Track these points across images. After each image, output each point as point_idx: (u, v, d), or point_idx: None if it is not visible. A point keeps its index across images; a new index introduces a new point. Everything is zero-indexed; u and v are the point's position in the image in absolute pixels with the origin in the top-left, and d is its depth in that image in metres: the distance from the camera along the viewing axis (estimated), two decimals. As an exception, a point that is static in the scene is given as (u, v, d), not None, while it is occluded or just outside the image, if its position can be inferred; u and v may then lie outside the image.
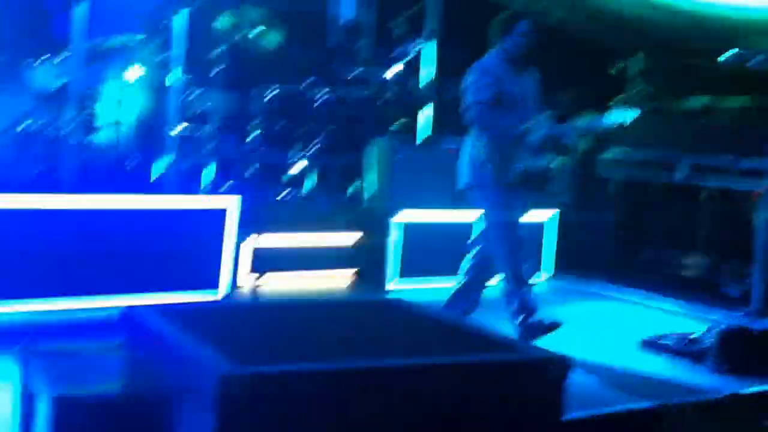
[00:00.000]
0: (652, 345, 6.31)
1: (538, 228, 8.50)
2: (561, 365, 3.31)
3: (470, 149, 6.08)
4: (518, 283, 6.01)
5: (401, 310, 4.13)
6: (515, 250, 6.02)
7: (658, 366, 5.96)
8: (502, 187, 5.97)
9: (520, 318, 5.96)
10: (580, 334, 6.39)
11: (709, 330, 6.28)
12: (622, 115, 6.11)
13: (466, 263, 6.29)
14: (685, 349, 6.18)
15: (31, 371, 3.93)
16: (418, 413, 3.04)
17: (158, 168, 8.18)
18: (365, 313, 4.09)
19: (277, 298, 6.56)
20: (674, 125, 8.83)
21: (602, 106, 9.21)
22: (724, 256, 8.20)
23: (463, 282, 6.28)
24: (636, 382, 5.57)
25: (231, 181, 8.34)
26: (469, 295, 6.26)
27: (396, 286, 7.70)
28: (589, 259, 8.74)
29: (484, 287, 6.30)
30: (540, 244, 8.53)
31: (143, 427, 3.45)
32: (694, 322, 6.91)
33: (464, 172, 6.15)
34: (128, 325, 3.64)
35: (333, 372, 2.99)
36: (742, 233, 7.87)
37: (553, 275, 8.61)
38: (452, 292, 6.32)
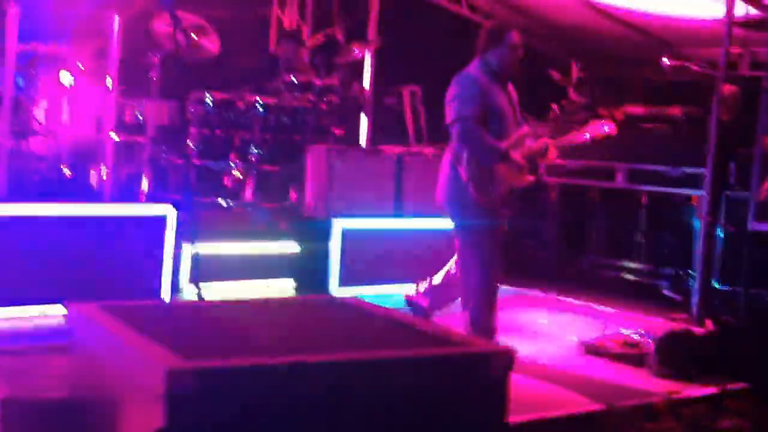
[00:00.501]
0: (594, 349, 6.33)
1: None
2: (504, 358, 3.32)
3: (451, 165, 5.87)
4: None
5: (347, 307, 4.12)
6: (489, 288, 5.88)
7: (600, 370, 5.98)
8: (482, 208, 5.77)
9: None
10: (522, 339, 6.40)
11: (649, 334, 6.34)
12: (600, 128, 6.10)
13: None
14: (626, 354, 6.22)
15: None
16: (364, 407, 3.04)
17: (95, 176, 8.05)
18: (311, 311, 4.06)
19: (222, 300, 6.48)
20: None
21: (541, 115, 9.35)
22: (665, 262, 8.29)
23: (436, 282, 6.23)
24: (578, 385, 5.56)
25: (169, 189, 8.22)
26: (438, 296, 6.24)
27: (338, 293, 7.63)
28: (530, 265, 8.78)
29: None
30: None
31: (90, 427, 3.39)
32: (635, 327, 6.96)
33: (443, 188, 5.94)
34: (73, 322, 3.57)
35: (279, 367, 2.97)
36: (682, 238, 7.98)
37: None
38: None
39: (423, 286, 6.43)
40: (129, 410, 3.07)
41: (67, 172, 8.32)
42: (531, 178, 5.96)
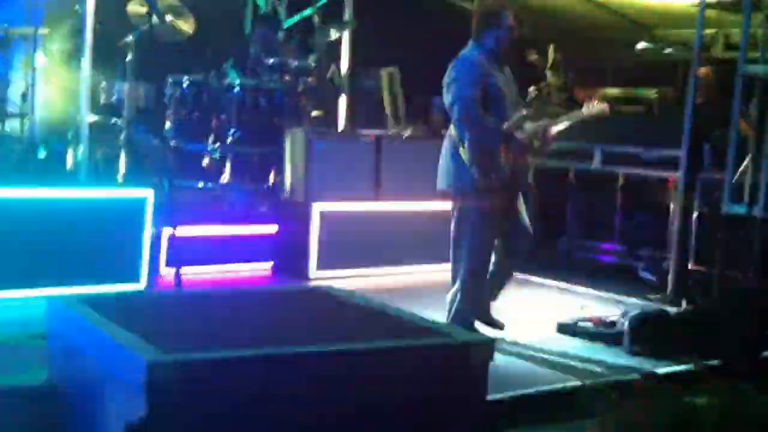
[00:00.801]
0: (570, 329, 6.39)
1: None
2: (484, 348, 3.36)
3: (452, 149, 5.81)
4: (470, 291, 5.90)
5: (326, 297, 4.15)
6: (480, 269, 5.89)
7: (576, 349, 6.05)
8: (484, 191, 5.72)
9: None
10: (500, 318, 6.44)
11: (625, 314, 6.41)
12: (595, 108, 6.09)
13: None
14: (602, 333, 6.29)
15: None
16: (346, 398, 3.07)
17: (72, 158, 8.03)
18: (290, 301, 4.09)
19: (201, 288, 6.48)
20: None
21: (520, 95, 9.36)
22: (641, 243, 8.35)
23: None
24: (555, 364, 5.66)
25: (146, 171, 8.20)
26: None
27: (317, 276, 7.65)
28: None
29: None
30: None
31: (68, 416, 3.40)
32: (611, 307, 7.04)
33: (444, 174, 5.89)
34: (53, 314, 3.58)
35: (259, 358, 3.01)
36: (658, 220, 8.04)
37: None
38: None
39: None
40: (109, 400, 3.09)
41: (42, 153, 8.31)
42: (531, 159, 6.01)
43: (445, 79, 5.81)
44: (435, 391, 3.19)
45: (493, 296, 6.16)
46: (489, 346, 3.38)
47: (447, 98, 5.78)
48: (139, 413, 2.81)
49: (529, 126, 5.85)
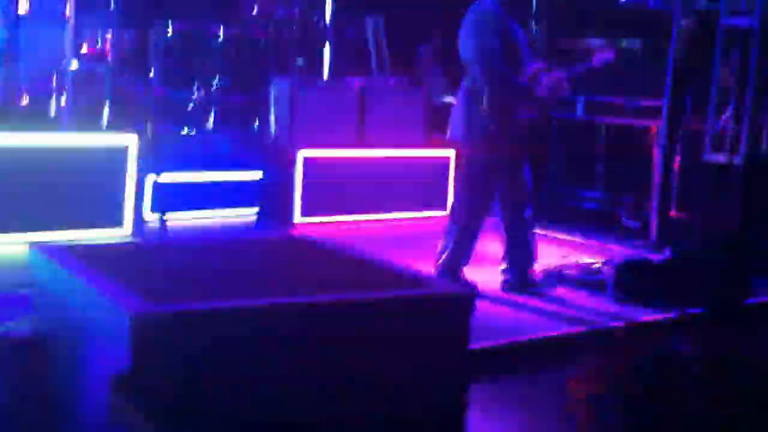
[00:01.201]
0: (554, 275, 6.45)
1: (441, 165, 8.59)
2: (466, 298, 3.38)
3: (466, 100, 5.77)
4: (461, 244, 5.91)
5: (309, 246, 4.15)
6: (471, 222, 5.91)
7: (561, 296, 6.11)
8: (498, 143, 5.70)
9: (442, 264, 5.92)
10: (484, 267, 6.47)
11: (608, 261, 6.47)
12: (604, 57, 6.06)
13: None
14: (586, 279, 6.37)
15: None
16: (330, 348, 3.08)
17: (54, 105, 7.97)
18: (274, 251, 4.09)
19: (185, 237, 6.49)
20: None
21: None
22: (625, 191, 8.40)
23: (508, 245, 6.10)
24: (540, 312, 5.73)
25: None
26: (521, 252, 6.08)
27: (301, 221, 7.69)
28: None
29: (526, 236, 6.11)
30: (443, 181, 8.62)
31: (53, 365, 3.42)
32: (595, 254, 7.09)
33: (459, 125, 5.84)
34: (36, 262, 3.57)
35: (244, 309, 3.00)
36: (641, 168, 8.08)
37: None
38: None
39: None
40: (94, 351, 3.09)
41: (25, 100, 8.23)
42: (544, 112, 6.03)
43: (462, 31, 5.73)
44: (417, 342, 3.21)
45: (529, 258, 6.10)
46: (471, 296, 3.39)
47: (467, 51, 5.69)
48: (124, 365, 2.79)
49: (545, 79, 5.80)
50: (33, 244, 3.64)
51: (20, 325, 3.66)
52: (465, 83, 5.83)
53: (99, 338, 3.05)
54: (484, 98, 5.64)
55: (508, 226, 6.03)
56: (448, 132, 6.00)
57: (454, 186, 5.98)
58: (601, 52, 6.18)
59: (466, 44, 5.71)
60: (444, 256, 5.94)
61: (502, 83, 5.64)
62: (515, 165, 5.92)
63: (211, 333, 2.91)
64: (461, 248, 5.93)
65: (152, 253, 3.96)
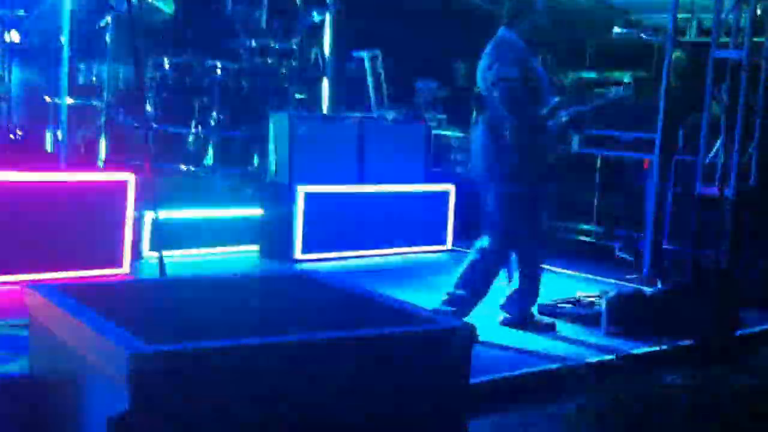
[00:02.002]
0: (550, 310, 6.48)
1: (440, 199, 8.65)
2: (466, 334, 3.40)
3: (488, 136, 5.64)
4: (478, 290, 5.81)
5: (309, 283, 4.16)
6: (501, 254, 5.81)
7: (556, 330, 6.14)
8: (526, 182, 5.61)
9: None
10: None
11: (603, 295, 6.50)
12: (620, 92, 6.07)
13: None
14: (580, 314, 6.40)
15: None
16: (330, 386, 3.09)
17: (50, 140, 8.01)
18: (274, 288, 4.10)
19: (183, 275, 6.50)
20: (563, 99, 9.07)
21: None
22: (618, 223, 8.45)
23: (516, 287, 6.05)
24: (535, 345, 5.76)
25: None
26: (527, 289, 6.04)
27: (302, 258, 7.72)
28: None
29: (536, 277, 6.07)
30: (442, 215, 8.70)
31: (51, 405, 3.42)
32: (589, 288, 7.13)
33: (479, 163, 5.72)
34: (33, 303, 3.58)
35: (244, 347, 2.99)
36: (634, 201, 8.14)
37: (452, 246, 8.77)
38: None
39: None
40: (91, 391, 3.09)
41: (19, 135, 8.24)
42: (564, 148, 5.90)
43: (482, 63, 5.63)
44: (418, 376, 3.23)
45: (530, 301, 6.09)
46: (471, 331, 3.41)
47: (486, 80, 5.59)
48: (122, 406, 2.79)
49: (563, 113, 5.71)
50: (29, 285, 3.65)
51: (16, 366, 3.66)
52: (484, 116, 5.78)
53: (97, 378, 3.03)
54: (508, 128, 5.53)
55: (521, 262, 5.97)
56: (471, 169, 5.94)
57: (490, 218, 5.79)
58: (617, 88, 6.18)
59: (485, 75, 5.61)
60: (458, 292, 5.78)
61: (521, 112, 5.52)
62: (538, 201, 5.83)
63: (211, 372, 2.90)
64: (482, 283, 5.81)
65: (150, 291, 3.97)
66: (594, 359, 5.58)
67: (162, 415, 2.83)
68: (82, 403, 3.19)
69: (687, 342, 5.92)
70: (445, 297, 5.78)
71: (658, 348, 5.82)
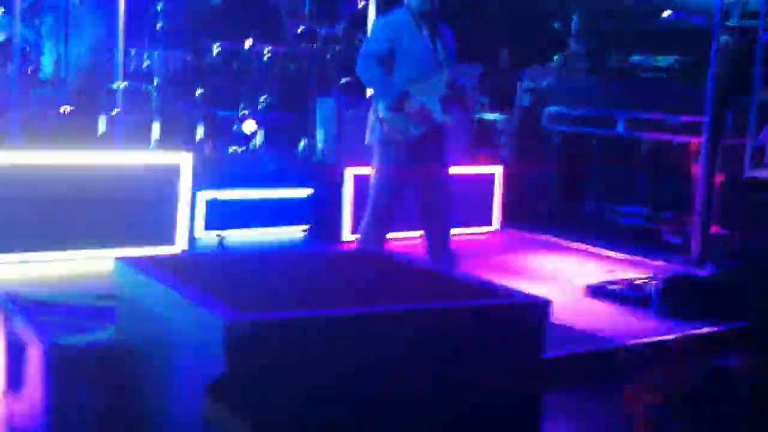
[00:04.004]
0: (599, 291, 6.54)
1: (486, 181, 8.71)
2: (541, 307, 3.47)
3: (372, 106, 5.96)
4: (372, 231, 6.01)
5: (381, 260, 4.23)
6: (383, 216, 6.02)
7: (606, 312, 6.20)
8: (393, 147, 5.81)
9: None
10: (530, 282, 6.58)
11: (652, 277, 6.56)
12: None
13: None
14: (630, 295, 6.44)
15: (17, 321, 3.96)
16: (410, 357, 3.16)
17: (104, 123, 8.14)
18: (349, 263, 4.17)
19: (253, 250, 6.58)
20: (610, 83, 9.10)
21: (543, 63, 9.51)
22: (665, 206, 8.48)
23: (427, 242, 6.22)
24: (585, 326, 5.77)
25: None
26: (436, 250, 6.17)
27: (351, 239, 7.78)
28: (533, 211, 8.97)
29: (445, 236, 6.22)
30: (489, 197, 8.75)
31: (138, 375, 3.50)
32: (638, 270, 7.18)
33: (367, 130, 6.04)
34: (121, 275, 3.68)
35: (333, 318, 3.07)
36: (682, 184, 8.17)
37: (500, 227, 8.84)
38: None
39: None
40: (185, 359, 3.18)
41: (71, 113, 8.36)
42: (449, 117, 5.89)
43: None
44: (494, 350, 3.30)
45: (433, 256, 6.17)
46: (547, 306, 3.48)
47: None
48: (217, 372, 2.88)
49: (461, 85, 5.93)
50: (119, 258, 3.75)
51: (104, 336, 3.75)
52: None
53: (191, 347, 3.12)
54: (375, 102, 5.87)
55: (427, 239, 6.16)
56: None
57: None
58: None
59: None
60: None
61: (370, 83, 5.92)
62: (424, 176, 5.98)
63: (300, 340, 2.98)
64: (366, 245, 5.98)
65: (234, 264, 4.05)
66: (648, 340, 5.61)
67: (256, 380, 2.91)
68: (174, 370, 3.26)
69: (742, 324, 5.95)
70: None
71: (716, 329, 5.84)
